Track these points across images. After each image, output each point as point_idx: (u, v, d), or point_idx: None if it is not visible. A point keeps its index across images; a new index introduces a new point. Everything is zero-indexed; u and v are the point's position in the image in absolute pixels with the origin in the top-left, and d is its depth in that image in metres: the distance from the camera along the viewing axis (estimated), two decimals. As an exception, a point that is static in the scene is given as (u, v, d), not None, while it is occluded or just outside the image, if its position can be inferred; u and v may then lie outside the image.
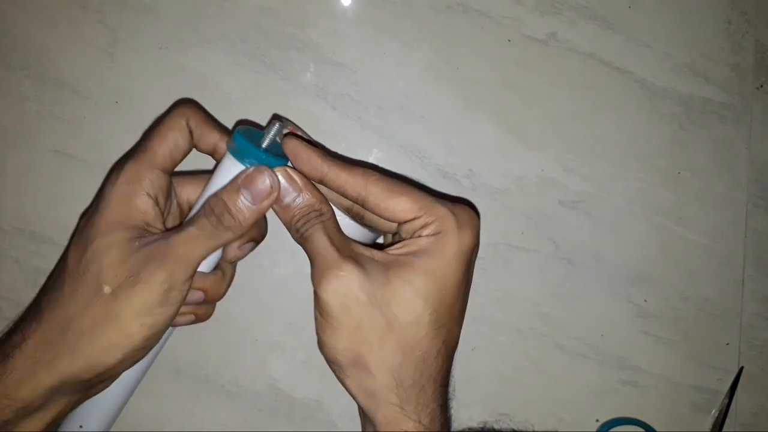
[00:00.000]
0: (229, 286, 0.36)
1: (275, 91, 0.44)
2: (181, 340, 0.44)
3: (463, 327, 0.46)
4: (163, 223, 0.32)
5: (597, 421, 0.47)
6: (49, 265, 0.44)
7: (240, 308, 0.45)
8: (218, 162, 0.32)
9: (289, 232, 0.31)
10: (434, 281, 0.29)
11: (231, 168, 0.31)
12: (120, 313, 0.28)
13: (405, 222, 0.30)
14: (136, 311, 0.28)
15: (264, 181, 0.29)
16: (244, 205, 0.29)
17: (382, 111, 0.45)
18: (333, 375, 0.31)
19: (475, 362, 0.46)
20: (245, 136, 0.31)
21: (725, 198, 0.48)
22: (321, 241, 0.29)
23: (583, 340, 0.47)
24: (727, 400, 0.47)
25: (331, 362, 0.30)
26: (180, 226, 0.30)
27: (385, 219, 0.31)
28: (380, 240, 0.38)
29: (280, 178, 0.30)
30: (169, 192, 0.33)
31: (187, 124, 0.32)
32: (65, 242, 0.44)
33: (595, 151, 0.47)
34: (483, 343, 0.46)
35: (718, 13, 0.48)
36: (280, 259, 0.45)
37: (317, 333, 0.30)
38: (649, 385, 0.48)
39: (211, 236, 0.30)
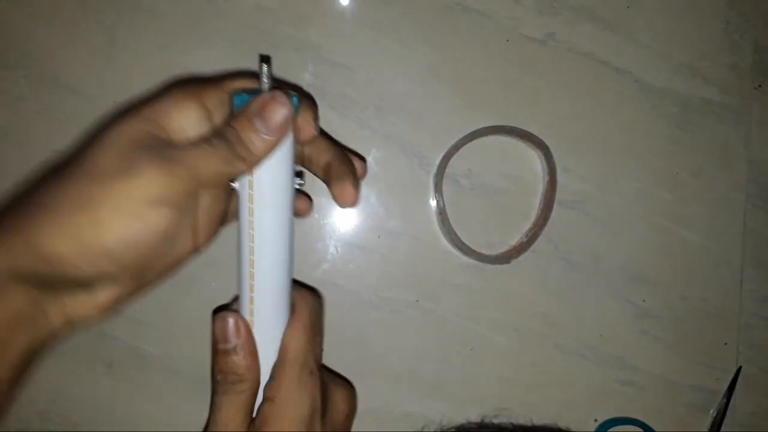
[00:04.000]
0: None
1: (274, 91, 0.44)
2: (181, 340, 0.44)
3: (462, 327, 0.46)
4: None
5: (595, 420, 0.47)
6: (48, 265, 0.44)
7: (239, 308, 0.45)
8: None
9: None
10: None
11: None
12: (103, 200, 0.25)
13: None
14: (120, 203, 0.25)
15: (279, 111, 0.27)
16: (257, 136, 0.27)
17: (381, 111, 0.45)
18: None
19: (474, 362, 0.46)
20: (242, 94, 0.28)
21: (724, 198, 0.48)
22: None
23: (582, 340, 0.47)
24: (725, 400, 0.48)
25: None
26: (193, 143, 0.27)
27: None
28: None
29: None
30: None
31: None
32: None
33: (594, 151, 0.47)
34: (483, 343, 0.46)
35: (717, 13, 0.48)
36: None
37: None
38: (647, 384, 0.48)
39: (225, 161, 0.26)
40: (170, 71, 0.44)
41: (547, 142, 0.46)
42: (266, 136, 0.27)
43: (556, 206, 0.46)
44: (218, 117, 0.29)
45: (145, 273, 0.27)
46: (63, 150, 0.44)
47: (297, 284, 0.32)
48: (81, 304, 0.26)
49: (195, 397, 0.45)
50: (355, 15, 0.45)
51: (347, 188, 0.31)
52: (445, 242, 0.46)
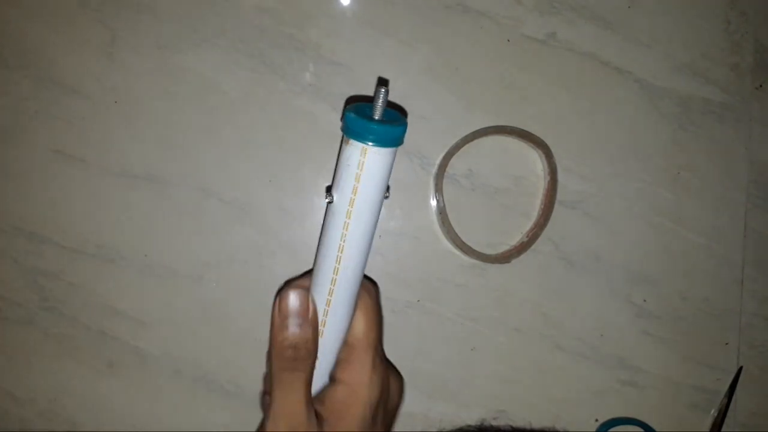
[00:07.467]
0: None
1: (275, 91, 0.44)
2: (181, 339, 0.44)
3: (463, 327, 0.46)
4: None
5: (596, 421, 0.47)
6: (49, 265, 0.44)
7: (240, 308, 0.45)
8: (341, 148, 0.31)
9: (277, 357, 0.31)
10: None
11: (346, 149, 0.29)
12: None
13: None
14: None
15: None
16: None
17: (381, 111, 0.45)
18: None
19: (475, 362, 0.46)
20: (356, 113, 0.29)
21: (724, 198, 0.48)
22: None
23: (583, 340, 0.47)
24: (726, 400, 0.48)
25: None
26: None
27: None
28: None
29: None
30: None
31: None
32: (64, 242, 0.44)
33: (594, 151, 0.47)
34: (483, 343, 0.46)
35: (718, 13, 0.48)
36: (279, 259, 0.45)
37: None
38: (648, 385, 0.48)
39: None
40: (170, 71, 0.44)
41: (548, 142, 0.46)
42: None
43: (556, 206, 0.46)
44: None
45: None
46: (63, 150, 0.44)
47: None
48: None
49: (195, 397, 0.45)
50: (355, 15, 0.45)
51: None
52: (445, 242, 0.46)
